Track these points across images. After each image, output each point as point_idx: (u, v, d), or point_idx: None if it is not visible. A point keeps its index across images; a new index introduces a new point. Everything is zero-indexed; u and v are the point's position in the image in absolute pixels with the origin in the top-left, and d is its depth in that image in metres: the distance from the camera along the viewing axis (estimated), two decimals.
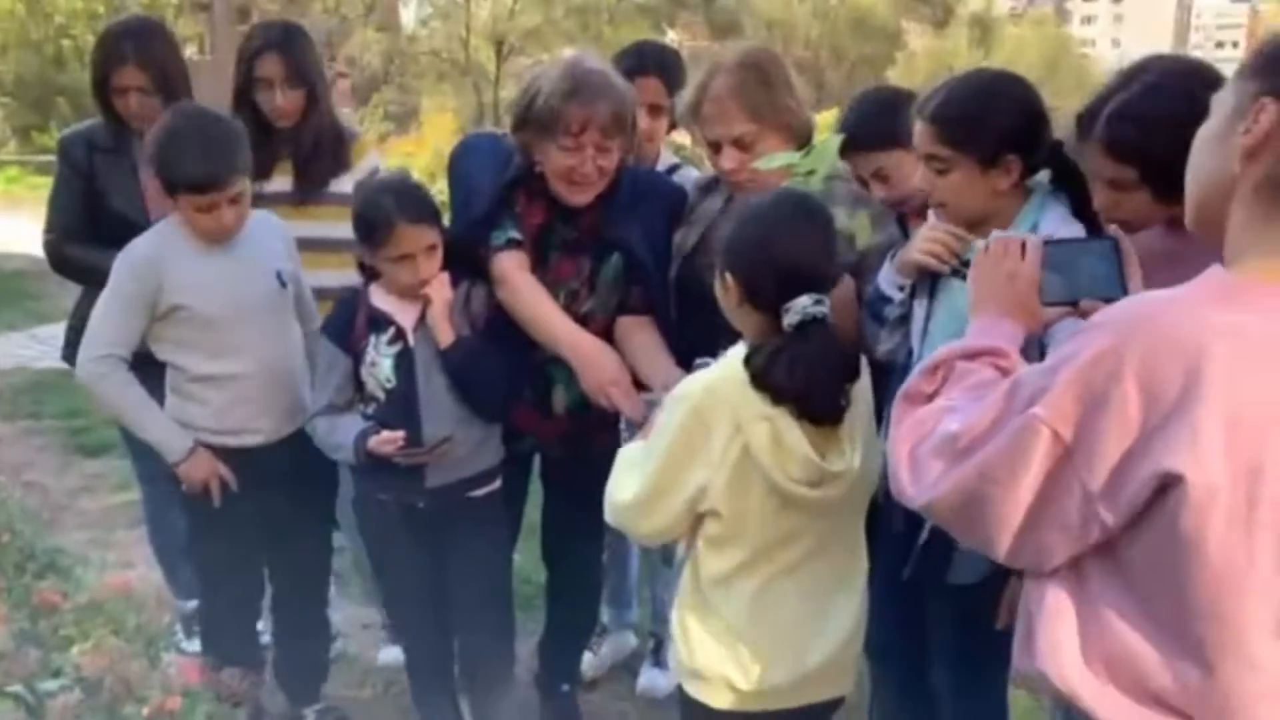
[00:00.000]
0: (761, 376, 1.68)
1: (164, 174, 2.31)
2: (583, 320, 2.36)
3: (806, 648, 1.81)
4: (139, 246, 2.39)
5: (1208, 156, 1.19)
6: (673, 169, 2.86)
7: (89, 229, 2.91)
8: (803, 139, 2.17)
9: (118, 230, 2.78)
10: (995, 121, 1.85)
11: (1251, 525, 1.05)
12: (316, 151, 2.84)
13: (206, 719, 2.09)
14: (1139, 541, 1.12)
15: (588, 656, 3.05)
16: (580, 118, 2.20)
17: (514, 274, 2.33)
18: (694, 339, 2.05)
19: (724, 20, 31.58)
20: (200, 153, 2.26)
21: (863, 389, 1.80)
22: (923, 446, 1.26)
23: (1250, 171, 1.12)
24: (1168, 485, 1.06)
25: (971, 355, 1.36)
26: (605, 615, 3.22)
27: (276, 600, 2.72)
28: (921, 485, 1.25)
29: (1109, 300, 1.39)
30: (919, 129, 1.92)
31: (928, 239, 1.92)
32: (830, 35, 29.15)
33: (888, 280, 2.02)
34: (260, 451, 2.46)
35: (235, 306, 2.39)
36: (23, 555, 2.90)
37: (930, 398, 1.34)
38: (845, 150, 2.16)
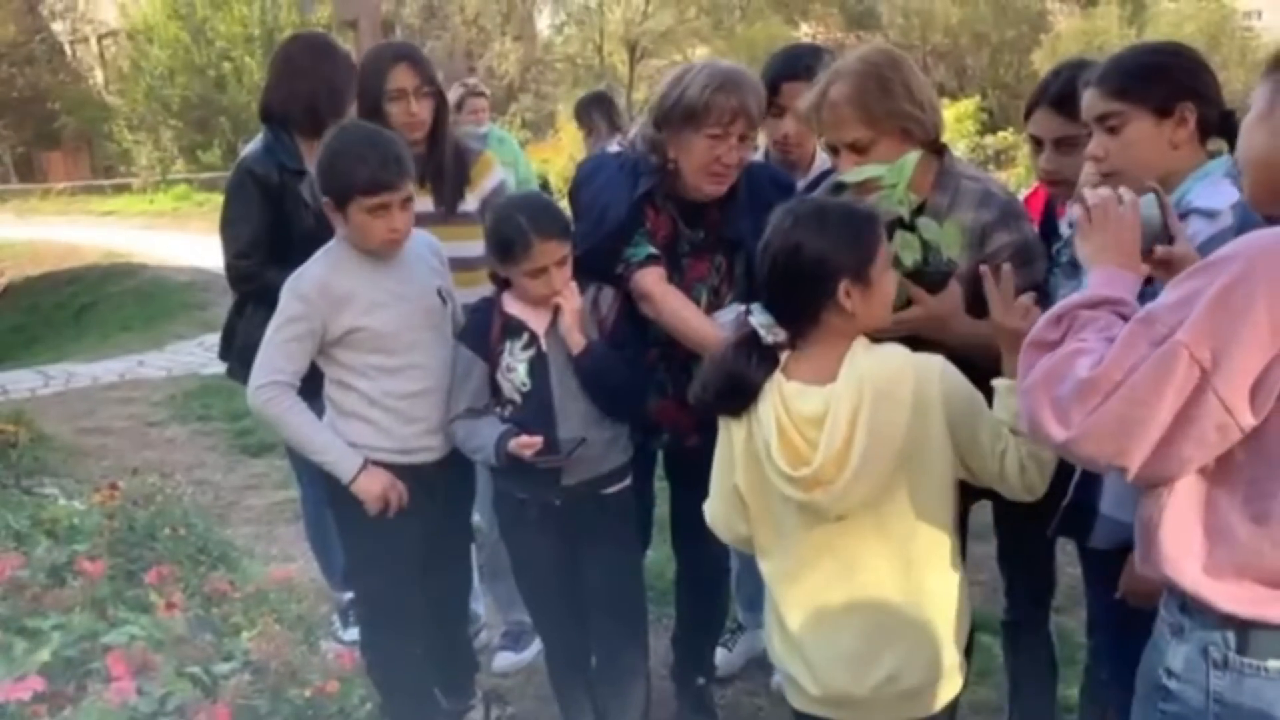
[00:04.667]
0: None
1: (336, 185, 2.33)
2: None
3: (865, 664, 1.84)
4: (306, 273, 2.41)
5: (1255, 137, 1.43)
6: (827, 173, 2.85)
7: (280, 251, 2.95)
8: (926, 140, 2.16)
9: (307, 248, 2.88)
10: (1165, 69, 1.86)
11: None
12: (456, 165, 2.87)
13: (360, 702, 2.23)
14: (1253, 445, 1.30)
15: (722, 653, 3.10)
16: (731, 108, 2.32)
17: (656, 288, 2.42)
18: None
19: (859, 10, 30.96)
20: (376, 156, 2.30)
21: (883, 400, 1.76)
22: (1061, 389, 1.35)
23: None
24: None
25: (1094, 304, 1.45)
26: (740, 615, 3.27)
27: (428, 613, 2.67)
28: (1068, 426, 1.34)
29: (1168, 244, 1.63)
30: (1088, 96, 1.93)
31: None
32: (971, 20, 28.21)
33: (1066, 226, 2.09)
34: (428, 469, 2.48)
35: (408, 324, 2.41)
36: (196, 548, 3.13)
37: (1055, 345, 1.42)
38: (1047, 105, 2.19)
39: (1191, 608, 1.39)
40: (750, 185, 2.47)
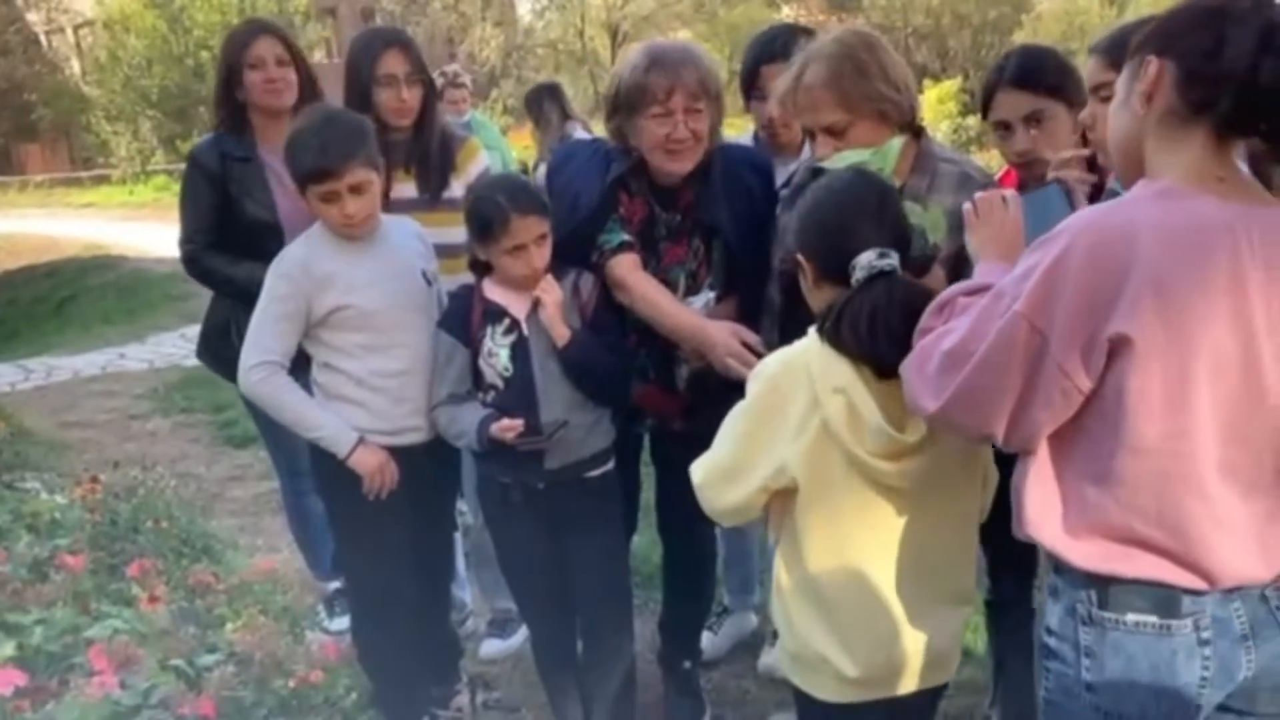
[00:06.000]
0: (831, 334, 1.71)
1: (292, 172, 2.37)
2: None
3: (905, 637, 1.80)
4: (290, 253, 2.44)
5: (1118, 118, 1.48)
6: None
7: (224, 237, 2.99)
8: (901, 122, 2.15)
9: (253, 236, 2.89)
10: None
11: (1186, 373, 1.32)
12: (442, 152, 2.86)
13: (346, 692, 2.23)
14: (1094, 408, 1.38)
15: (708, 636, 3.10)
16: (664, 86, 2.32)
17: (630, 276, 2.42)
18: (804, 318, 2.08)
19: None
20: (317, 143, 2.31)
21: None
22: (929, 366, 1.47)
23: (1151, 111, 1.41)
24: (1119, 348, 1.32)
25: (973, 292, 1.55)
26: (727, 599, 3.28)
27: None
28: (934, 397, 1.45)
29: None
30: (1095, 63, 1.93)
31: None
32: (953, 1, 28.22)
33: None
34: (416, 451, 2.48)
35: (392, 302, 2.42)
36: (180, 540, 3.12)
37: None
38: (1007, 87, 2.21)
39: (1062, 568, 1.47)
40: (725, 169, 2.47)
